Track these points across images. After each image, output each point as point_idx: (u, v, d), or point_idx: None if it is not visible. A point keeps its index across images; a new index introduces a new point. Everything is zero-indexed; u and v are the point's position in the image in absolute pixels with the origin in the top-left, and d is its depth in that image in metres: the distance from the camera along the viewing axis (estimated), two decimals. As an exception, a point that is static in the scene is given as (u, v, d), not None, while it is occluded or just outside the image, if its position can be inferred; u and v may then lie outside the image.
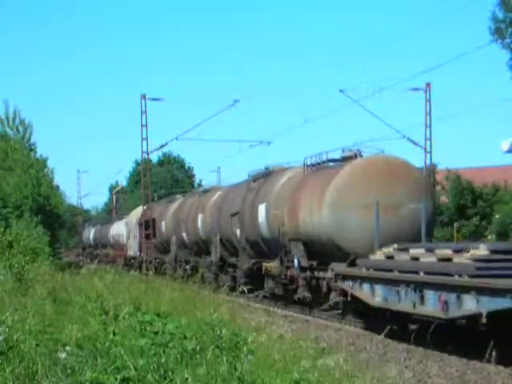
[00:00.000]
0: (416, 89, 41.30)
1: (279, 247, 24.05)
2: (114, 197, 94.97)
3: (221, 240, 31.52)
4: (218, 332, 9.52)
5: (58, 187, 48.93)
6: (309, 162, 23.59)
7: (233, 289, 25.66)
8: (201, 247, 35.45)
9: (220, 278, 31.07)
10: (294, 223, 22.59)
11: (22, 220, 33.29)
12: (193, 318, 12.14)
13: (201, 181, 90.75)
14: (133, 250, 49.86)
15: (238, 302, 23.83)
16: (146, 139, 45.38)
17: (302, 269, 22.43)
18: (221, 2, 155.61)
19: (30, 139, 48.96)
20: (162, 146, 47.76)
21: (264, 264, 25.92)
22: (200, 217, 34.94)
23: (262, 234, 26.13)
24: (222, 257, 31.68)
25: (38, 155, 46.54)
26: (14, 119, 48.11)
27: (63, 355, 8.15)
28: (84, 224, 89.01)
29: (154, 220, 45.73)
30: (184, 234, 37.80)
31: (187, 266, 29.76)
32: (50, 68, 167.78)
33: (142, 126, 45.22)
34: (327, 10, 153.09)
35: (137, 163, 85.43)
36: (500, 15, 38.77)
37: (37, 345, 8.65)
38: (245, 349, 9.16)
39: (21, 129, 48.51)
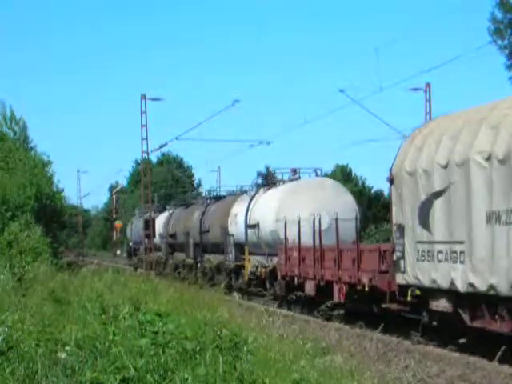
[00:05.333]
0: (416, 89, 41.37)
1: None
2: (114, 197, 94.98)
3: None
4: (218, 332, 9.52)
5: (62, 190, 48.77)
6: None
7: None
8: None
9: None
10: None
11: (22, 220, 33.27)
12: (193, 317, 12.15)
13: (200, 180, 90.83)
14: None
15: (237, 301, 23.85)
16: (146, 139, 45.50)
17: None
18: (220, 2, 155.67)
19: (26, 139, 48.95)
20: (161, 146, 47.88)
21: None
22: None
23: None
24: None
25: (40, 156, 46.46)
26: (10, 119, 48.08)
27: (63, 355, 8.15)
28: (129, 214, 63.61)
29: (154, 220, 45.75)
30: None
31: None
32: (50, 68, 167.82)
33: (141, 126, 45.32)
34: (327, 10, 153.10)
35: (137, 163, 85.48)
36: (499, 15, 38.80)
37: (37, 345, 8.65)
38: (245, 349, 9.17)
39: (17, 129, 48.52)
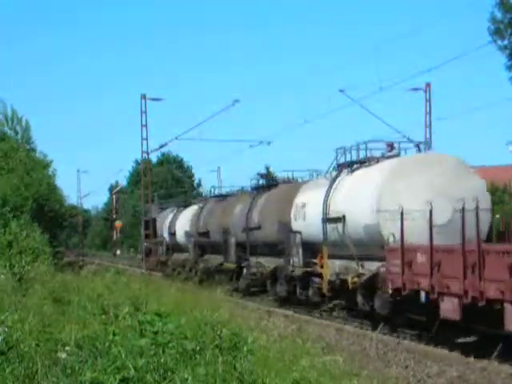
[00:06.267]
0: (416, 89, 41.35)
1: None
2: (114, 197, 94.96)
3: None
4: (218, 332, 9.53)
5: (61, 191, 48.74)
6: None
7: None
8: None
9: None
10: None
11: (22, 220, 33.27)
12: (193, 317, 12.15)
13: (200, 180, 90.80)
14: None
15: (238, 301, 23.84)
16: (146, 139, 45.46)
17: None
18: (220, 2, 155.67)
19: (29, 139, 48.94)
20: (161, 146, 47.84)
21: None
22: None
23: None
24: None
25: (41, 156, 46.47)
26: (12, 119, 48.09)
27: (63, 355, 8.15)
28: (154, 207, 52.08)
29: (154, 220, 45.57)
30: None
31: None
32: (50, 68, 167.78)
33: (141, 126, 45.29)
34: (327, 10, 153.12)
35: (137, 163, 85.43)
36: (499, 15, 38.76)
37: (37, 345, 8.65)
38: (245, 349, 9.17)
39: (19, 129, 48.51)
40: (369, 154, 21.67)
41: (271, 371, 8.66)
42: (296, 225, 24.13)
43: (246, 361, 8.72)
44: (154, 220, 45.62)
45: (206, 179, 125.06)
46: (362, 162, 21.60)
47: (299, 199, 24.34)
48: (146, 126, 45.36)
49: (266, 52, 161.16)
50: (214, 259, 33.19)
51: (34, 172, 40.43)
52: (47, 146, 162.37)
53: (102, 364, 7.89)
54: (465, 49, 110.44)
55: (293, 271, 23.96)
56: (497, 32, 38.39)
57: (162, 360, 8.05)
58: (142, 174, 54.90)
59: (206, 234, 34.98)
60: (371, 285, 18.85)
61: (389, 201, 18.43)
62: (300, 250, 23.59)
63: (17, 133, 48.35)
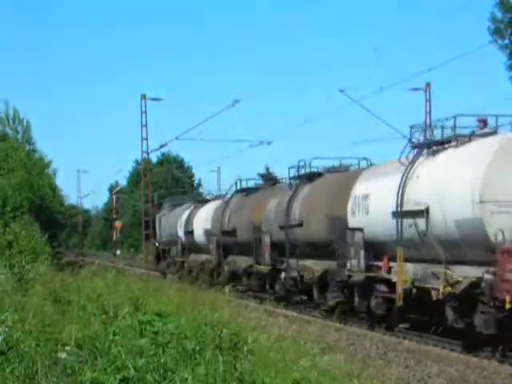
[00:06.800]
0: (416, 89, 41.39)
1: None
2: (114, 197, 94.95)
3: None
4: (218, 332, 9.53)
5: (60, 189, 48.82)
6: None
7: None
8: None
9: None
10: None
11: (22, 220, 33.28)
12: (193, 317, 12.15)
13: (200, 180, 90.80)
14: None
15: (238, 301, 23.80)
16: (146, 139, 45.56)
17: None
18: (220, 2, 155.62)
19: (30, 139, 49.01)
20: (161, 146, 47.93)
21: None
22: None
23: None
24: None
25: (40, 156, 46.54)
26: (13, 119, 48.16)
27: (63, 355, 8.15)
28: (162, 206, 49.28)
29: (154, 220, 45.48)
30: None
31: None
32: (50, 68, 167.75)
33: (141, 126, 45.38)
34: (327, 10, 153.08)
35: (137, 163, 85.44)
36: (499, 15, 38.78)
37: (37, 345, 8.65)
38: (245, 349, 9.17)
39: (20, 129, 48.58)
40: (448, 134, 17.31)
41: (271, 371, 8.65)
42: (355, 221, 19.67)
43: (246, 361, 8.72)
44: (154, 220, 45.50)
45: (206, 179, 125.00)
46: (445, 142, 17.34)
47: (359, 189, 19.75)
48: (146, 126, 45.50)
49: (266, 52, 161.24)
50: (242, 261, 29.36)
51: (34, 172, 40.46)
52: (47, 146, 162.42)
53: (101, 364, 7.90)
54: (465, 49, 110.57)
55: (350, 276, 19.58)
56: (497, 31, 38.43)
57: (162, 360, 8.06)
58: (141, 174, 54.97)
59: (231, 232, 30.66)
60: (469, 296, 15.01)
61: (497, 188, 14.60)
62: (361, 251, 19.16)
63: (17, 133, 48.43)
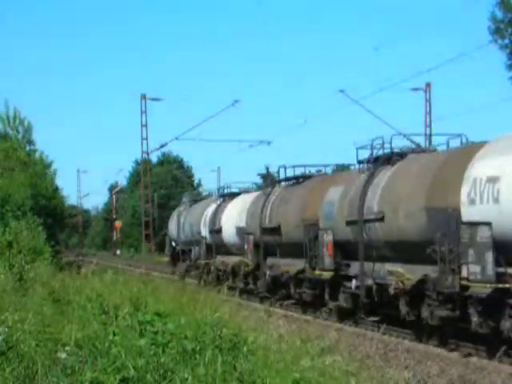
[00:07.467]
0: (416, 89, 41.47)
1: None
2: (114, 197, 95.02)
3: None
4: (218, 332, 9.53)
5: (61, 189, 48.91)
6: None
7: None
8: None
9: None
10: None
11: (22, 220, 33.27)
12: (193, 317, 12.14)
13: (200, 180, 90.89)
14: None
15: (238, 301, 23.79)
16: (146, 139, 45.68)
17: None
18: (220, 2, 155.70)
19: (30, 139, 49.05)
20: (161, 146, 48.06)
21: None
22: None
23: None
24: None
25: (41, 156, 46.57)
26: (14, 119, 48.19)
27: (63, 355, 8.15)
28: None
29: (154, 220, 45.50)
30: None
31: None
32: (50, 68, 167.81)
33: (141, 126, 45.47)
34: (327, 10, 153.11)
35: (137, 163, 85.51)
36: (499, 15, 38.82)
37: (37, 345, 8.65)
38: (245, 349, 9.17)
39: (21, 129, 48.61)
40: None
41: (271, 371, 8.65)
42: (474, 212, 14.53)
43: (246, 361, 8.72)
44: (154, 220, 45.49)
45: (206, 179, 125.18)
46: None
47: (479, 171, 14.69)
48: (146, 126, 45.60)
49: (266, 52, 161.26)
50: (288, 264, 24.34)
51: (34, 172, 40.47)
52: (47, 146, 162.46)
53: (102, 364, 7.90)
54: (465, 49, 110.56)
55: (466, 288, 14.47)
56: (497, 31, 38.47)
57: (162, 360, 8.06)
58: (141, 174, 55.07)
59: (274, 230, 25.50)
60: None
61: None
62: (487, 254, 13.93)
63: (18, 132, 48.47)
